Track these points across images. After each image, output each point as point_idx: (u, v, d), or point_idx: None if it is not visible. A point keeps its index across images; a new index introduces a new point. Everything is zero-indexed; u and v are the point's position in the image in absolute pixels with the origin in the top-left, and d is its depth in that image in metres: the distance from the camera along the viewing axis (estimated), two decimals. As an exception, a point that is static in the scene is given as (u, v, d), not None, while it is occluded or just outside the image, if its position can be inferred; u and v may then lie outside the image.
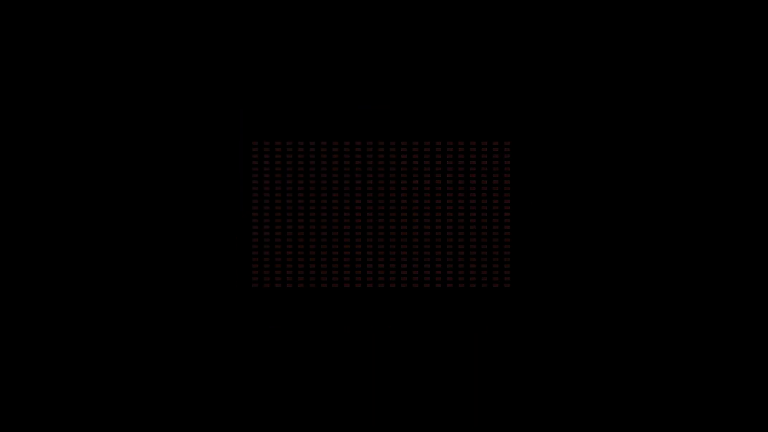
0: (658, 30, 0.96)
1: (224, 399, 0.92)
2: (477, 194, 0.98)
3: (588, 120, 0.98)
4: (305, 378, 0.94)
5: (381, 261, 0.98)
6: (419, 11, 0.97)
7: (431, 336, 0.98)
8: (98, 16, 0.92)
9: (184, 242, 0.94)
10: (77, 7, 0.91)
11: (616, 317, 0.96)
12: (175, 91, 0.95)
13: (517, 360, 0.96)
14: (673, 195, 0.96)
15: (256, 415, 0.91)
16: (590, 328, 0.96)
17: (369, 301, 0.93)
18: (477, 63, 1.00)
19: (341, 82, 1.00)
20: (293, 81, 0.98)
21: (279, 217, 0.97)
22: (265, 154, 0.97)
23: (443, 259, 0.98)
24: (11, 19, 0.90)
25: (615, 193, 0.97)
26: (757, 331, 0.93)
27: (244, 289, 0.91)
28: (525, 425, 0.93)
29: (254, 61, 0.98)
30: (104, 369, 0.90)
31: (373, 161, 0.98)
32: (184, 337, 0.93)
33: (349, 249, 0.98)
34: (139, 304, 0.92)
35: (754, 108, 0.94)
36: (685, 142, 0.95)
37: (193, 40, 0.95)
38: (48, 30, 0.91)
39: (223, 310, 0.95)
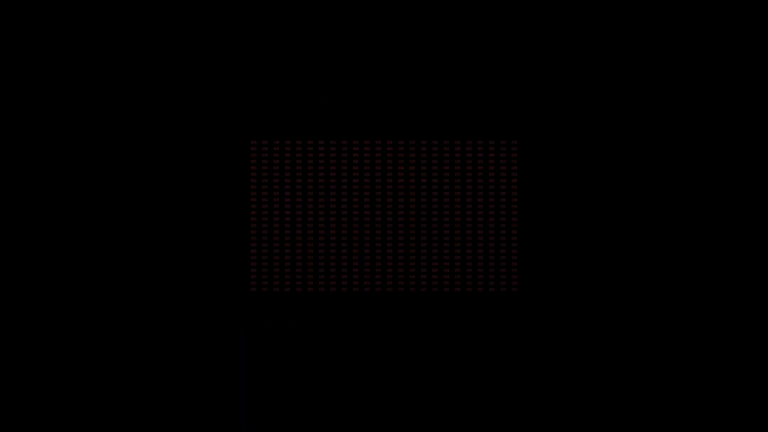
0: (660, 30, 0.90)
1: (221, 401, 0.92)
2: (484, 196, 0.95)
3: (597, 119, 0.93)
4: (302, 381, 0.94)
5: (384, 263, 0.96)
6: (422, 11, 0.93)
7: (427, 340, 0.96)
8: (93, 15, 0.90)
9: (182, 243, 0.93)
10: (72, 5, 0.89)
11: (624, 321, 0.93)
12: (171, 90, 0.93)
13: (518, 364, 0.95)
14: (683, 195, 0.92)
15: (253, 417, 0.92)
16: (597, 332, 0.94)
17: (369, 305, 0.92)
18: (481, 61, 0.95)
19: (342, 82, 0.96)
20: (295, 79, 0.95)
21: (277, 219, 0.95)
22: (264, 153, 0.95)
23: (451, 261, 0.95)
24: (8, 18, 0.89)
25: (622, 195, 0.93)
26: None
27: (242, 292, 0.91)
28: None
29: (251, 61, 0.95)
30: (99, 371, 0.91)
31: (380, 160, 0.95)
32: (181, 340, 0.93)
33: (347, 251, 0.96)
34: (136, 306, 0.92)
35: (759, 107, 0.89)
36: (696, 141, 0.91)
37: (189, 39, 0.93)
38: (46, 30, 0.90)
39: (221, 312, 0.94)
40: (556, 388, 0.93)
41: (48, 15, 0.89)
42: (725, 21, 0.90)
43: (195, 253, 0.93)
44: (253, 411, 0.92)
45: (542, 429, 0.93)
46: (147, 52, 0.92)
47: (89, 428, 0.89)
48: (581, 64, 0.93)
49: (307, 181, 0.94)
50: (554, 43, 0.94)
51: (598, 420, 0.92)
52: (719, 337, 0.92)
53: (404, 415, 0.93)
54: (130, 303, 0.92)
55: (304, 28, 0.94)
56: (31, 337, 0.90)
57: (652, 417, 0.92)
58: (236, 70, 0.95)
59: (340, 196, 0.92)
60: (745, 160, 0.90)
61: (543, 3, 0.92)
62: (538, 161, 0.94)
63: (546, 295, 0.95)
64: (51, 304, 0.90)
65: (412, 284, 0.89)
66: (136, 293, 0.92)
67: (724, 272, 0.92)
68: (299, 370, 0.94)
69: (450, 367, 0.94)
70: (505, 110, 0.93)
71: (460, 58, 0.95)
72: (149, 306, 0.92)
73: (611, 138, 0.93)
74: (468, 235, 0.94)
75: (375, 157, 0.94)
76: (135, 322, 0.92)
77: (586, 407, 0.93)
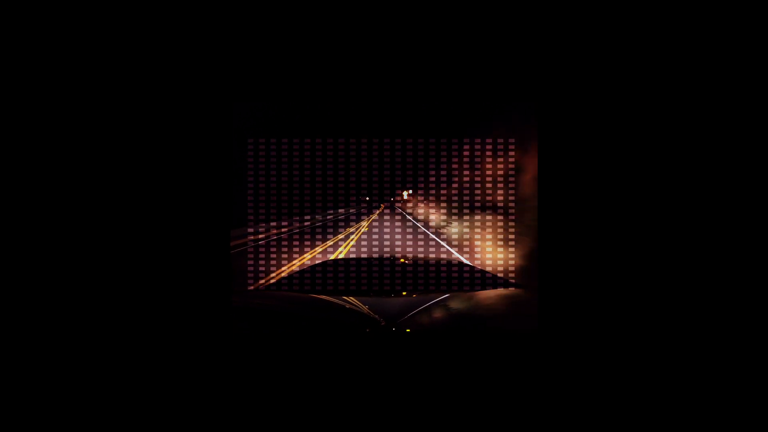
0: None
1: (213, 400, 0.89)
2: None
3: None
4: (295, 380, 0.91)
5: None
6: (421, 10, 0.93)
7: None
8: (89, 14, 0.91)
9: (176, 242, 0.92)
10: (65, 4, 0.90)
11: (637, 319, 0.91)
12: (165, 87, 0.93)
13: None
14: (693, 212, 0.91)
15: (244, 417, 0.88)
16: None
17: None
18: (480, 58, 0.96)
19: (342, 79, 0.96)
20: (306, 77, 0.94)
21: (274, 217, 0.94)
22: (261, 152, 0.94)
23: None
24: (6, 17, 0.89)
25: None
26: None
27: (238, 290, 0.89)
28: None
29: (249, 58, 0.95)
30: (91, 371, 0.88)
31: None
32: (176, 339, 0.90)
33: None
34: (129, 304, 0.90)
35: None
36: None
37: (185, 37, 0.93)
38: (37, 27, 0.90)
39: (217, 311, 0.92)
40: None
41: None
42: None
43: (186, 252, 0.92)
44: (243, 413, 0.89)
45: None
46: (139, 50, 0.92)
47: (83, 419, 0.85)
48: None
49: (304, 176, 0.94)
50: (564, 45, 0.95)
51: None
52: (721, 339, 0.91)
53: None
54: (123, 302, 0.90)
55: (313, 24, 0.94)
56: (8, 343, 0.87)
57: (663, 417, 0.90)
58: (230, 67, 0.95)
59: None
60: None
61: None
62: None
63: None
64: (28, 306, 0.87)
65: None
66: (127, 292, 0.90)
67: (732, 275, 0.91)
68: (290, 371, 0.90)
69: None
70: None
71: (454, 57, 0.95)
72: (139, 306, 0.90)
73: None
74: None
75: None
76: (125, 322, 0.89)
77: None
